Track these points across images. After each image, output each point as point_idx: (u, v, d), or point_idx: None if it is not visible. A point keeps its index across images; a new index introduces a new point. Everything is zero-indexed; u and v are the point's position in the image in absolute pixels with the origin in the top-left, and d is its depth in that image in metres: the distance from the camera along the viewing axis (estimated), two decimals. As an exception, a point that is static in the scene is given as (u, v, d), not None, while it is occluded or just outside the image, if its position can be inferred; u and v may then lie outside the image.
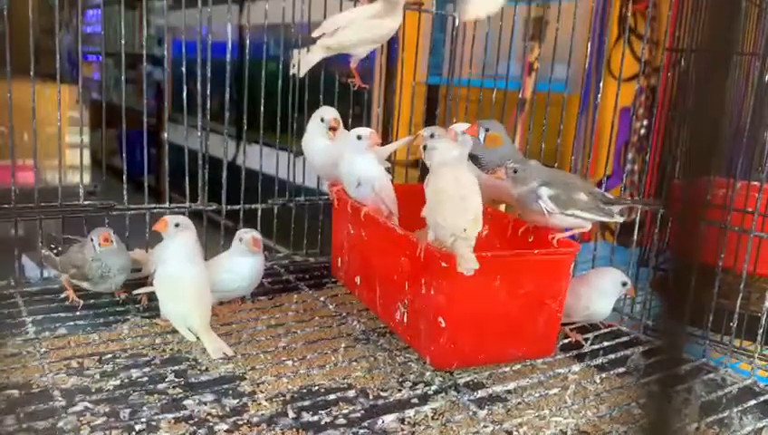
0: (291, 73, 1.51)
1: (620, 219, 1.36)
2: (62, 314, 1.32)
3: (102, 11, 1.50)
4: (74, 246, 1.38)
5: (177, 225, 1.27)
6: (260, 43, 1.72)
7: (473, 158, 1.41)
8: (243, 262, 1.39)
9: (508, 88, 1.74)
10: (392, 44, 1.90)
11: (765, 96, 1.64)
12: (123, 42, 1.53)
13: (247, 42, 1.63)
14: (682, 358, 0.47)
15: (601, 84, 2.08)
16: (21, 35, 1.41)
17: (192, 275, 1.24)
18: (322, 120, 1.47)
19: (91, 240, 1.33)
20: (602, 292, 1.34)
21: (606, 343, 1.37)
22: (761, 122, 1.67)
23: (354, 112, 1.79)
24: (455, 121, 1.69)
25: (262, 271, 1.44)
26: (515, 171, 1.29)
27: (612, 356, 1.31)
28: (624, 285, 1.34)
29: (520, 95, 2.30)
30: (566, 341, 1.35)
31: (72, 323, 1.29)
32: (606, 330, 1.45)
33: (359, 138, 1.37)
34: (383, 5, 1.46)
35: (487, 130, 1.39)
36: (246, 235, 1.39)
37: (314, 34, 1.46)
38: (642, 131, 2.43)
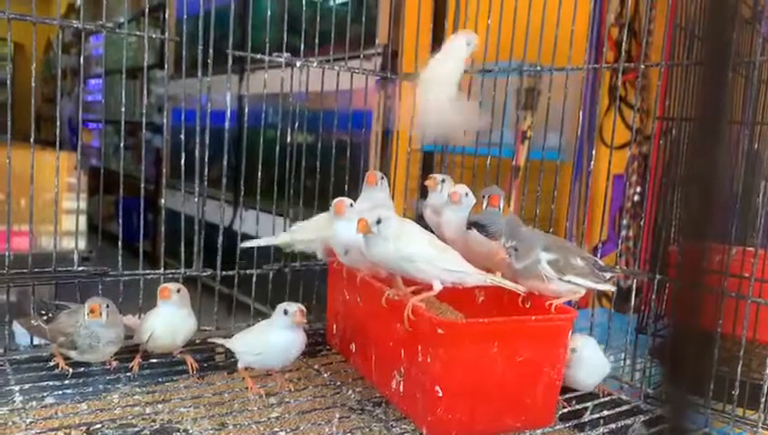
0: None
1: (612, 288, 1.36)
2: (51, 383, 1.29)
3: (104, 80, 1.53)
4: (63, 313, 1.35)
5: (178, 290, 1.38)
6: (258, 112, 1.75)
7: (478, 226, 1.40)
8: (286, 335, 1.32)
9: (502, 155, 1.77)
10: (388, 113, 1.94)
11: (755, 163, 1.67)
12: (123, 110, 1.55)
13: (246, 110, 1.66)
14: (686, 428, 0.46)
15: (594, 152, 2.11)
16: (23, 103, 1.44)
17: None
18: (286, 312, 1.34)
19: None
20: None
21: (606, 413, 1.34)
22: (752, 189, 1.68)
23: (351, 179, 1.81)
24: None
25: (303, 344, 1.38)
26: (516, 249, 1.30)
27: (613, 426, 1.28)
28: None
29: (514, 162, 2.33)
30: (565, 410, 1.33)
31: (60, 392, 1.26)
32: (606, 399, 1.42)
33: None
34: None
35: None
36: (292, 307, 1.33)
37: None
38: (636, 198, 2.44)
